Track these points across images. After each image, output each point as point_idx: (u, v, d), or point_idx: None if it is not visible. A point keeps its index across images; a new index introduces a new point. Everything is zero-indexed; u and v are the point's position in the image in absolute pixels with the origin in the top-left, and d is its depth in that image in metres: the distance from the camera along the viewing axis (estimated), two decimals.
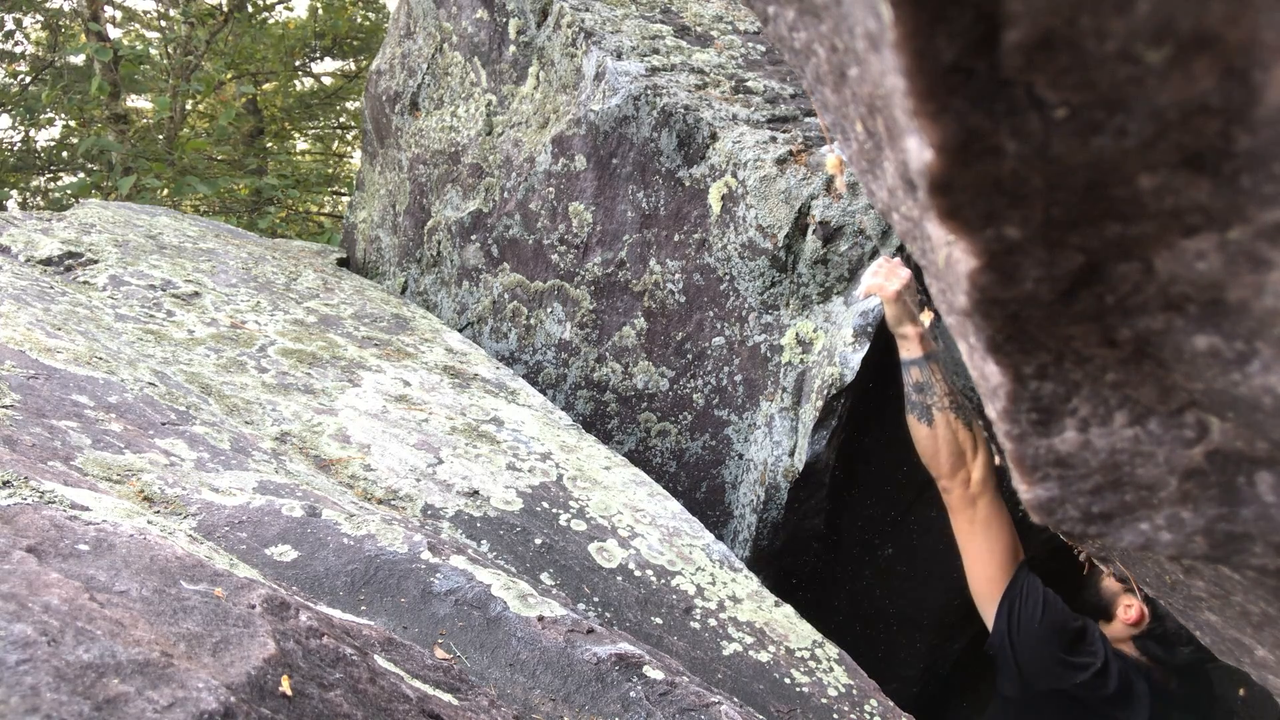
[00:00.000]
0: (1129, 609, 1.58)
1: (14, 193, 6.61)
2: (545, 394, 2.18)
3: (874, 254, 1.85)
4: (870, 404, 1.95)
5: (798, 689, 1.10)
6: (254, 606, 0.58)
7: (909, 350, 1.58)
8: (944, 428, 1.54)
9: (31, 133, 6.77)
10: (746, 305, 1.94)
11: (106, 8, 6.57)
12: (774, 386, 1.94)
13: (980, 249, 0.36)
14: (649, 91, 1.91)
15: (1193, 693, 1.65)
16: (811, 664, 1.16)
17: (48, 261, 1.84)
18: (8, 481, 0.70)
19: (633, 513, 1.41)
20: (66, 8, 6.75)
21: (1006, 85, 0.30)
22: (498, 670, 0.84)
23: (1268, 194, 0.31)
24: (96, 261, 1.89)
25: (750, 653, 1.15)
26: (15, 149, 6.76)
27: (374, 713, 0.57)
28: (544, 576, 1.18)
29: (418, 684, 0.67)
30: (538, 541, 1.25)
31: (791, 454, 1.89)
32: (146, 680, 0.45)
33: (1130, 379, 0.42)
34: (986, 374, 0.44)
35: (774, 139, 1.87)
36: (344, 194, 8.01)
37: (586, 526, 1.33)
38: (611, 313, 2.09)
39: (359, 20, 7.65)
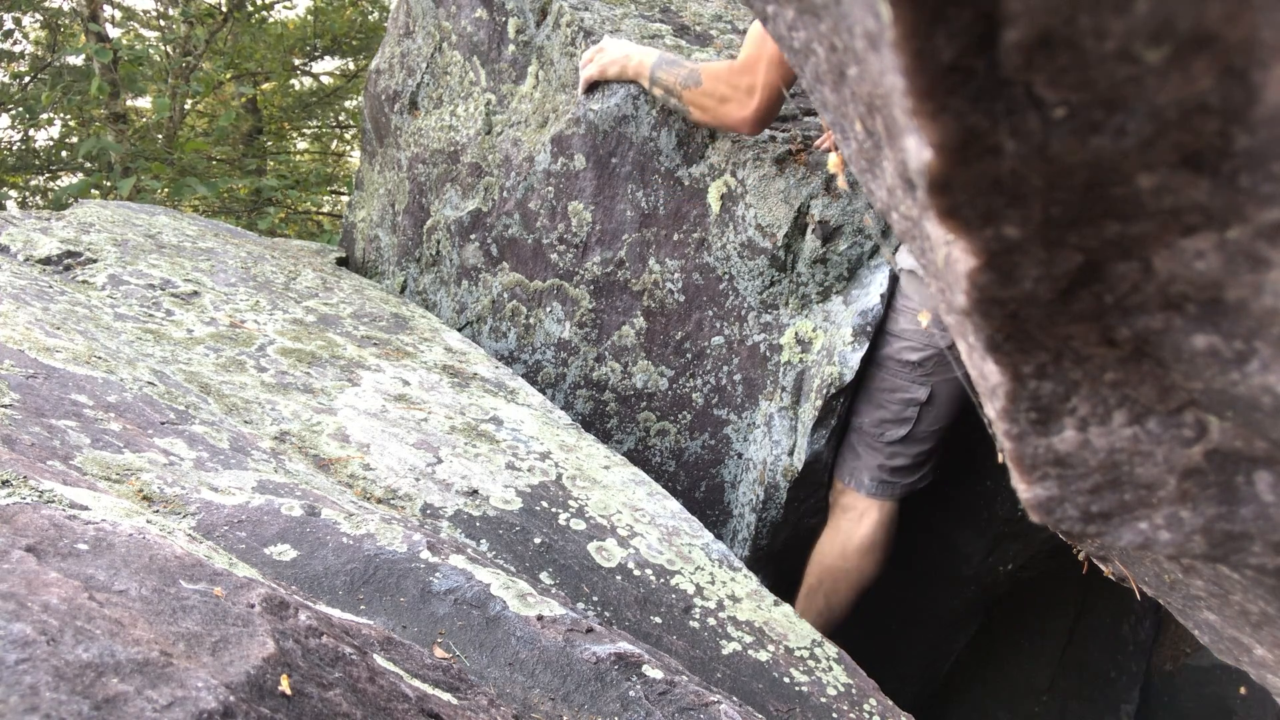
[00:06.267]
0: None
1: (13, 192, 6.60)
2: (544, 393, 2.18)
3: (874, 252, 1.85)
4: None
5: (797, 688, 1.10)
6: (253, 606, 0.58)
7: (643, 84, 1.86)
8: (695, 102, 1.74)
9: (31, 133, 6.76)
10: (746, 304, 1.94)
11: (106, 7, 6.56)
12: (773, 386, 1.94)
13: (979, 248, 0.36)
14: None
15: None
16: (810, 663, 1.16)
17: (47, 261, 1.84)
18: (7, 481, 0.70)
19: (632, 512, 1.41)
20: (66, 7, 6.75)
21: (1006, 85, 0.30)
22: (497, 669, 0.84)
23: (1266, 193, 0.31)
24: (95, 261, 1.89)
25: (749, 652, 1.15)
26: (15, 149, 6.75)
27: (373, 712, 0.57)
28: (543, 576, 1.18)
29: (417, 683, 0.67)
30: (537, 541, 1.25)
31: (791, 453, 1.89)
32: (146, 679, 0.45)
33: (1129, 378, 0.42)
34: (986, 373, 0.44)
35: (773, 138, 1.87)
36: (343, 194, 8.00)
37: (586, 526, 1.33)
38: (611, 312, 2.09)
39: (358, 20, 7.64)
